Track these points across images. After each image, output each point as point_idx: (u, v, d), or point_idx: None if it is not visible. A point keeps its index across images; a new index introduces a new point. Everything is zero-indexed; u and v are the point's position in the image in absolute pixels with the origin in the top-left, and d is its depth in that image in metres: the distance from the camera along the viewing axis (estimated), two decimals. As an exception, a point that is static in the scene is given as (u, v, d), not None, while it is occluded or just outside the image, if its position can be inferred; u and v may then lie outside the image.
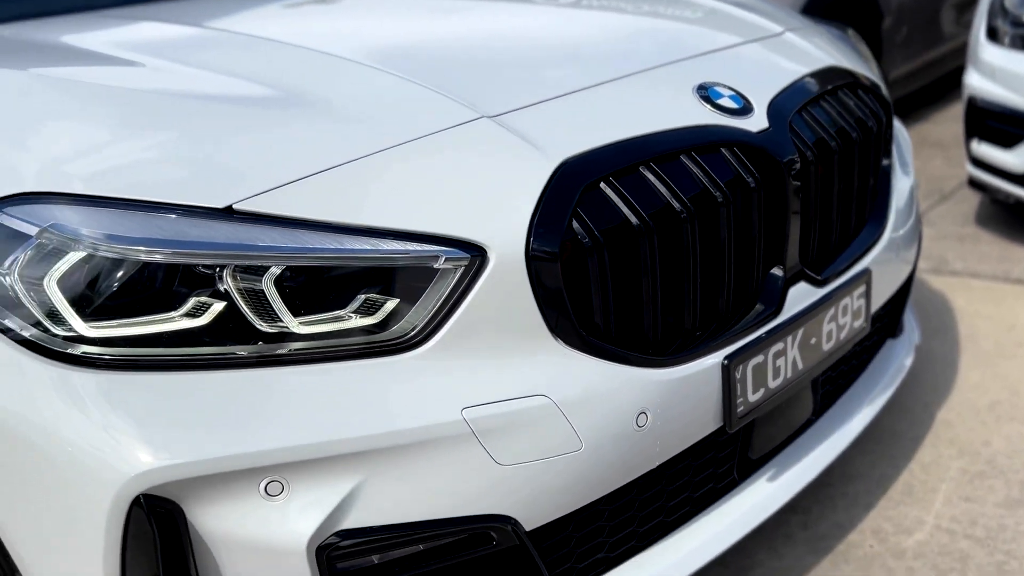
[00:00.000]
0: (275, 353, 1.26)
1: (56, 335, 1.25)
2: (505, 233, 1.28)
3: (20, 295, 1.27)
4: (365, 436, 1.22)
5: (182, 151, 1.34)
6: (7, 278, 1.28)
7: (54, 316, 1.26)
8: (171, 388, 1.23)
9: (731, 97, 1.60)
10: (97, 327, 1.25)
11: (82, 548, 1.24)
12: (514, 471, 1.29)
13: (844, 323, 1.73)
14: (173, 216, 1.26)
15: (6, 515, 1.32)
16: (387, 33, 1.79)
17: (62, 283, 1.25)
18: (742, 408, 1.52)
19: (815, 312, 1.64)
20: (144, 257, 1.24)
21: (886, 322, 2.09)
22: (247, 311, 1.25)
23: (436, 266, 1.26)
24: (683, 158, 1.45)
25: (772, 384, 1.57)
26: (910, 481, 2.14)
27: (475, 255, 1.27)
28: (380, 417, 1.23)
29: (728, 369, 1.48)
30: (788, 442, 1.78)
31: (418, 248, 1.26)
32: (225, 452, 1.18)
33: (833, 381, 1.92)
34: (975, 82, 3.44)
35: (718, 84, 1.62)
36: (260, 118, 1.39)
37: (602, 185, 1.37)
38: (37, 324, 1.26)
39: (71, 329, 1.25)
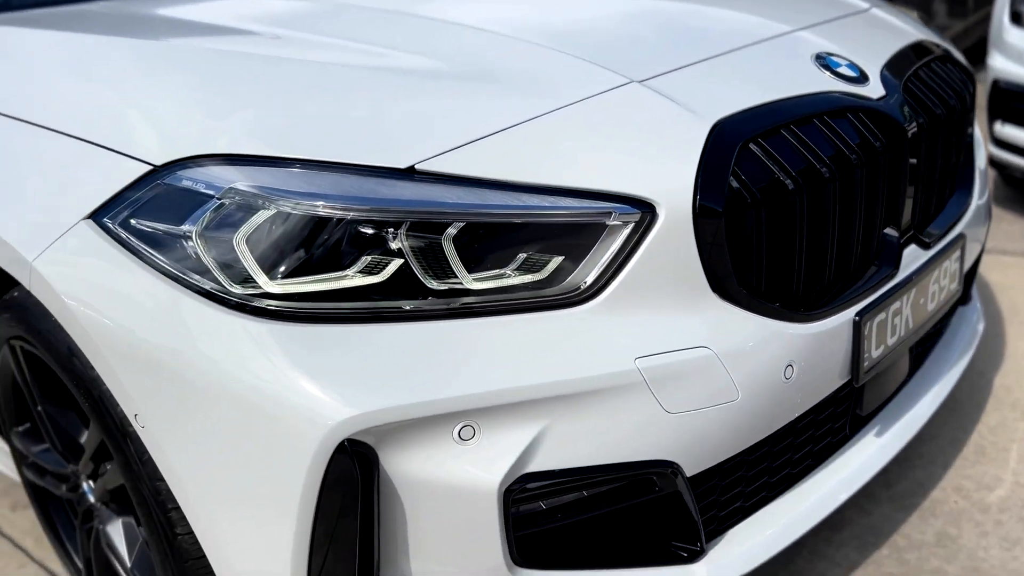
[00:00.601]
0: (456, 307, 1.30)
1: (242, 291, 1.29)
2: (672, 190, 1.34)
3: (203, 253, 1.31)
4: (551, 383, 1.27)
5: (357, 115, 1.38)
6: (190, 237, 1.31)
7: (239, 273, 1.29)
8: (362, 339, 1.27)
9: (848, 66, 1.67)
10: (281, 283, 1.29)
11: (273, 494, 1.28)
12: (679, 419, 1.35)
13: (944, 285, 1.80)
14: (356, 176, 1.30)
15: (185, 467, 1.35)
16: (501, 7, 1.83)
17: (248, 241, 1.29)
18: (867, 363, 1.59)
19: (924, 273, 1.71)
20: (331, 213, 1.27)
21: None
22: (422, 268, 1.29)
23: (609, 223, 1.31)
24: (816, 122, 1.52)
25: (890, 341, 1.64)
26: (980, 442, 2.23)
27: (645, 212, 1.32)
28: (561, 366, 1.28)
29: (859, 325, 1.55)
30: (888, 401, 1.85)
31: (593, 205, 1.31)
32: (427, 398, 1.23)
33: (922, 343, 1.99)
34: (999, 65, 3.54)
35: (834, 54, 1.69)
36: (428, 85, 1.44)
37: (751, 146, 1.43)
38: (221, 280, 1.29)
39: (256, 285, 1.29)
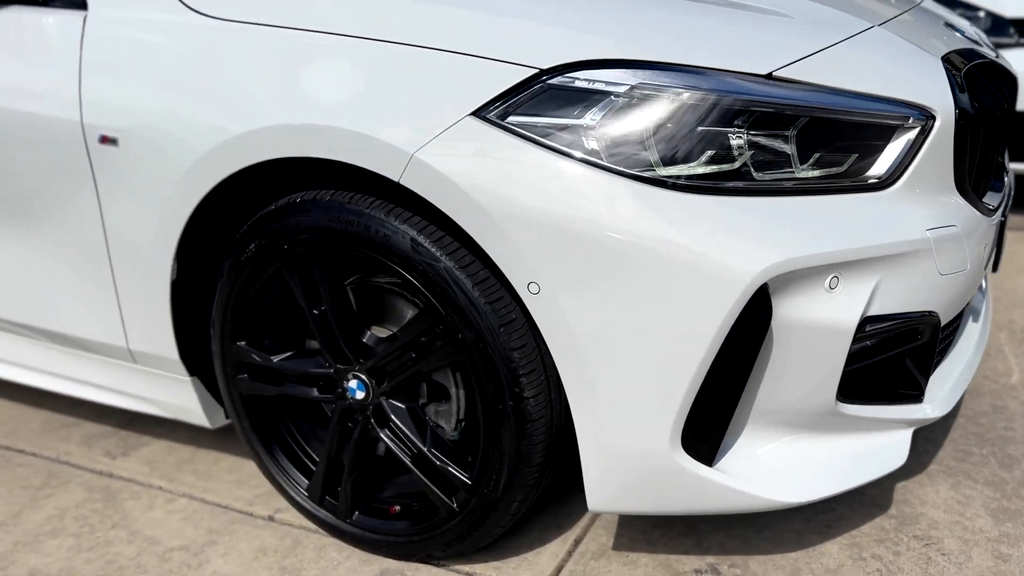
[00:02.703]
0: (799, 186, 1.63)
1: (638, 172, 1.55)
2: (940, 105, 1.74)
3: (600, 140, 1.56)
4: (888, 244, 1.63)
5: (716, 33, 1.69)
6: (589, 127, 1.56)
7: (636, 157, 1.56)
8: (750, 206, 1.57)
9: (969, 33, 2.17)
10: (669, 167, 1.57)
11: (678, 342, 1.55)
12: (943, 280, 1.76)
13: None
14: (732, 78, 1.60)
15: (582, 326, 1.58)
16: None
17: (648, 129, 1.56)
18: (997, 259, 2.09)
19: (1010, 197, 2.25)
20: (723, 105, 1.57)
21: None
22: (767, 156, 1.62)
23: (907, 124, 1.70)
24: (978, 68, 2.00)
25: (1000, 245, 2.15)
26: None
27: (928, 118, 1.72)
28: (890, 233, 1.65)
29: (1002, 225, 2.04)
30: (967, 299, 2.37)
31: (902, 109, 1.69)
32: (824, 250, 1.56)
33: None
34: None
35: (952, 23, 2.19)
36: (756, 15, 1.77)
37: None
38: (619, 162, 1.56)
39: (650, 167, 1.56)
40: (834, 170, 1.68)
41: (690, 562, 1.94)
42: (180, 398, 2.22)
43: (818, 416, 1.72)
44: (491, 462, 1.77)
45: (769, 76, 1.63)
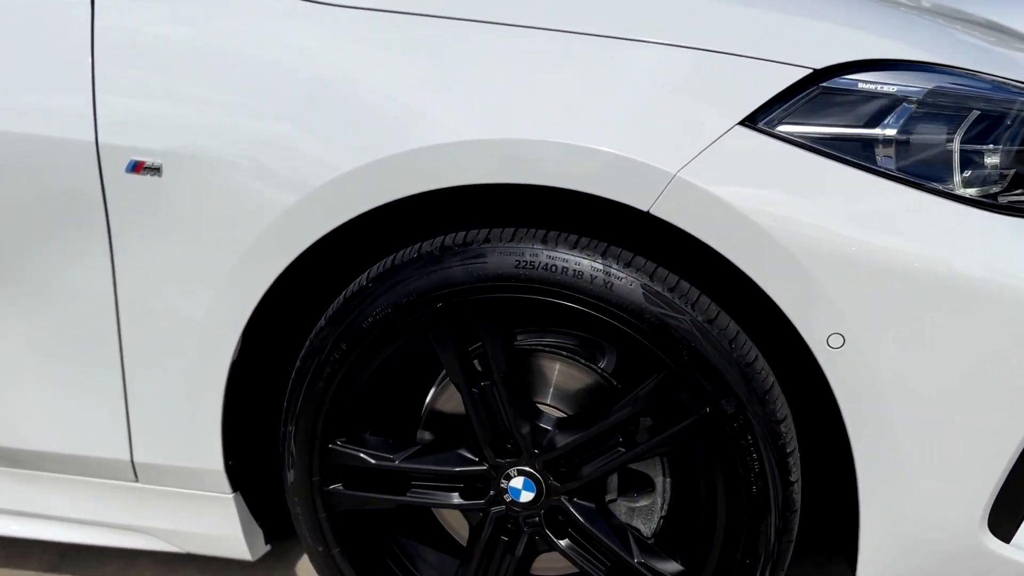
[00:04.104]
0: None
1: (950, 188, 1.29)
2: None
3: (903, 151, 1.29)
4: None
5: (958, 36, 1.48)
6: (890, 138, 1.29)
7: (942, 173, 1.30)
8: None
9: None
10: (972, 184, 1.32)
11: (1013, 390, 1.28)
12: None
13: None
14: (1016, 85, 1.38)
15: (897, 385, 1.27)
16: None
17: (954, 139, 1.31)
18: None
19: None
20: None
21: None
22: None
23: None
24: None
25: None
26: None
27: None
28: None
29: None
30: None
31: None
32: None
33: None
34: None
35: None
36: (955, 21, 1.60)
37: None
38: (930, 178, 1.29)
39: (951, 185, 1.30)
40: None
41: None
42: (208, 524, 1.62)
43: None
44: (734, 568, 1.39)
45: (1043, 86, 1.43)
